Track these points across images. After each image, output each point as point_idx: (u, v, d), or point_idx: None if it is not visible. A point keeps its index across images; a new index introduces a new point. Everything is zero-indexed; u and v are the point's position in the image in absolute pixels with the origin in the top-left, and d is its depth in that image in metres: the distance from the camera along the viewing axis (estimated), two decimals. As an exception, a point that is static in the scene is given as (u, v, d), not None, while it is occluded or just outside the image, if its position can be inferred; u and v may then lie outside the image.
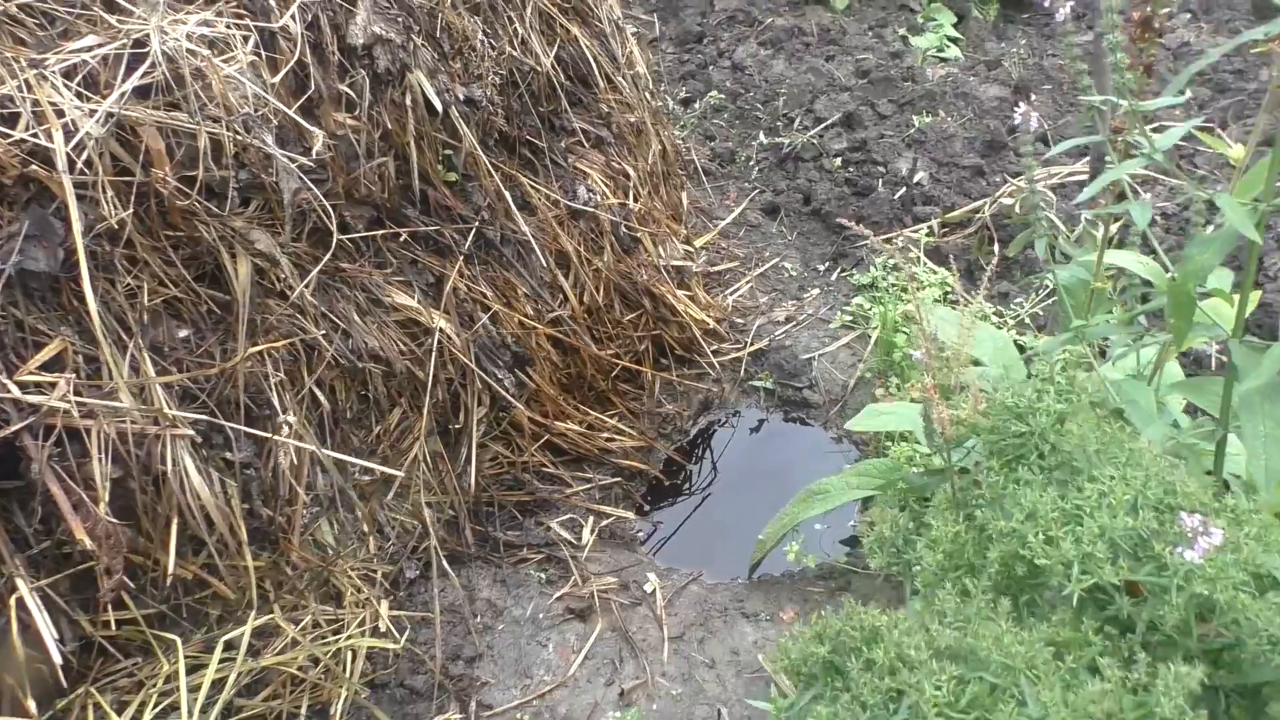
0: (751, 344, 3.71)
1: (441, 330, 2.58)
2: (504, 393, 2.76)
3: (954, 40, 5.00)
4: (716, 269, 3.97)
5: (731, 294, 3.87)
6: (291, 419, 2.08)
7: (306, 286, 2.27)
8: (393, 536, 2.66)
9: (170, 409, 1.90)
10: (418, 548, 2.70)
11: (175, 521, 1.93)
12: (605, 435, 3.20)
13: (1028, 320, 3.61)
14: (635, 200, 3.37)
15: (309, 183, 2.03)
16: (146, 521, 1.95)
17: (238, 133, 1.92)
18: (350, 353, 2.38)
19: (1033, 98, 4.57)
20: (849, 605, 1.39)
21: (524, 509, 2.99)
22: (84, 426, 1.81)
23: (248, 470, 2.12)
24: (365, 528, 2.54)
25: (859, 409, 3.57)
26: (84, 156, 1.82)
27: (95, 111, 1.83)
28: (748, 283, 3.97)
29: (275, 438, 2.08)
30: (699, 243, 3.94)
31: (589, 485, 3.12)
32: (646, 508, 3.27)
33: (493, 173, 2.81)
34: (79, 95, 1.85)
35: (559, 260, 3.10)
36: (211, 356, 2.11)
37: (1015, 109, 2.16)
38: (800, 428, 3.60)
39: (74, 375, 1.80)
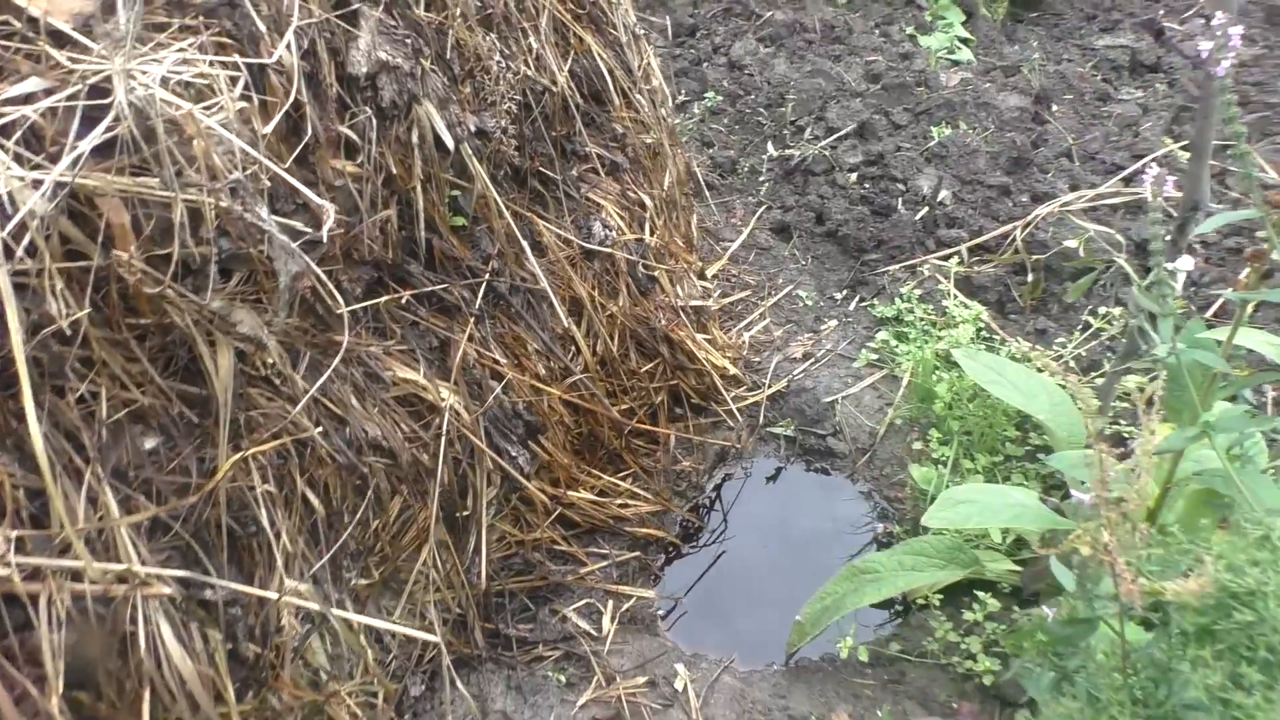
0: (770, 386, 3.37)
1: (451, 408, 2.19)
2: (517, 472, 2.38)
3: (965, 41, 4.68)
4: (729, 300, 3.61)
5: (747, 330, 3.52)
6: (293, 584, 1.69)
7: (298, 371, 1.87)
8: (394, 647, 2.28)
9: (140, 559, 1.49)
10: (423, 657, 2.32)
11: (146, 696, 1.53)
12: (619, 502, 2.85)
13: (1072, 362, 3.32)
14: (651, 233, 3.00)
15: (310, 261, 1.62)
16: (109, 691, 1.55)
17: (223, 202, 1.51)
18: (347, 445, 1.98)
19: (1054, 108, 4.28)
20: None
21: (536, 596, 2.63)
22: (28, 593, 1.40)
23: (232, 609, 1.73)
24: (362, 640, 2.15)
25: (889, 459, 3.28)
26: (26, 240, 1.40)
27: (41, 181, 1.40)
28: (762, 315, 3.63)
29: (269, 594, 1.68)
30: (710, 271, 3.58)
31: (605, 562, 2.76)
32: (665, 581, 2.93)
33: (504, 213, 2.42)
34: (18, 159, 1.42)
35: (572, 308, 2.72)
36: (187, 471, 1.70)
37: (1146, 172, 1.86)
38: (825, 479, 3.28)
39: (12, 529, 1.39)
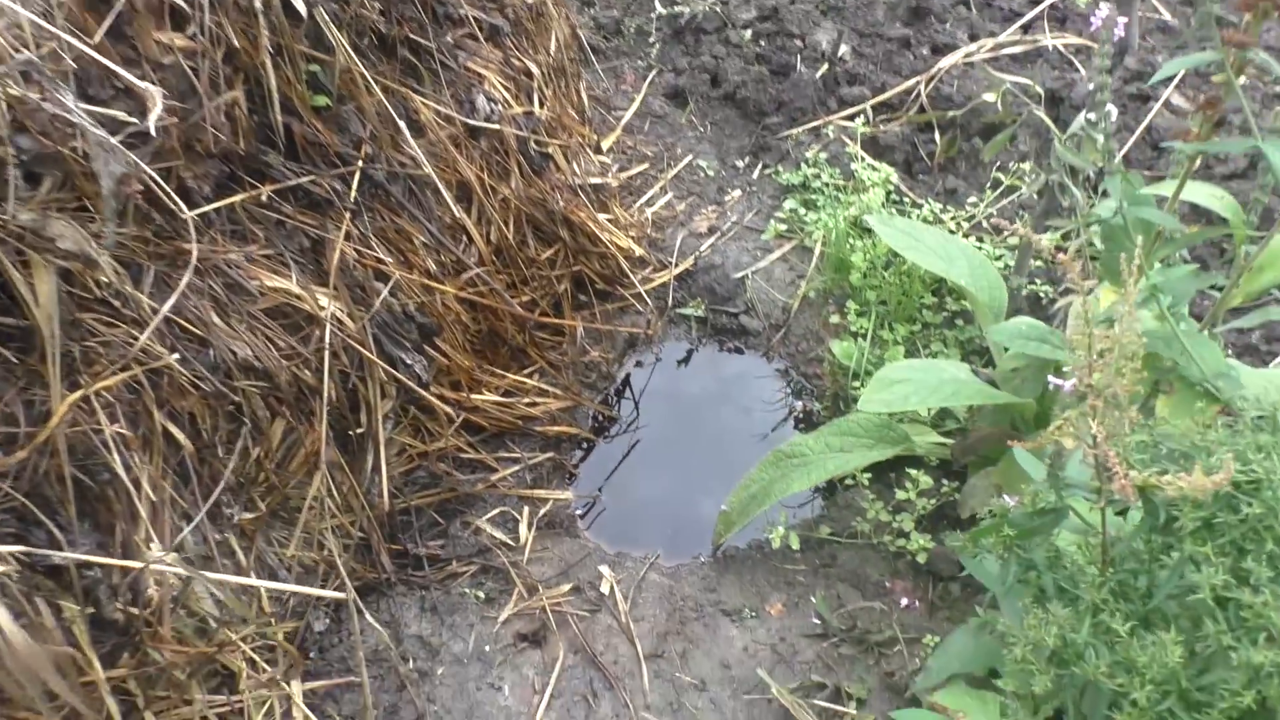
0: (677, 265, 3.18)
1: (332, 317, 1.93)
2: (414, 381, 2.15)
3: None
4: (628, 174, 3.36)
5: (649, 206, 3.29)
6: (157, 553, 1.44)
7: (143, 289, 1.59)
8: (292, 580, 2.07)
9: (-40, 535, 1.23)
10: (324, 586, 2.12)
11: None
12: (527, 401, 2.65)
13: (985, 224, 3.22)
14: (541, 105, 2.71)
15: (137, 159, 1.32)
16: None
17: (14, 89, 1.20)
18: (212, 369, 1.72)
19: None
20: None
21: (446, 510, 2.43)
22: None
23: (89, 572, 1.48)
24: (253, 579, 1.94)
25: (805, 334, 3.15)
26: None
27: None
28: (663, 189, 3.40)
29: (131, 564, 1.44)
30: (605, 144, 3.31)
31: (517, 466, 2.58)
32: (582, 480, 2.76)
33: (373, 89, 2.11)
34: None
35: (460, 193, 2.45)
36: (12, 420, 1.42)
37: (1094, 14, 1.68)
38: (740, 359, 3.14)
39: None
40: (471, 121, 2.42)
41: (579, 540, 2.57)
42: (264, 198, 1.88)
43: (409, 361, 2.13)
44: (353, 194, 2.03)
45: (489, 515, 2.46)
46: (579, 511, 2.67)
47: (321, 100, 2.00)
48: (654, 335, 3.09)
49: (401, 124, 2.14)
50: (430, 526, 2.39)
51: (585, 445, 2.83)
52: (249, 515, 1.96)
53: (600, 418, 2.91)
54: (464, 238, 2.46)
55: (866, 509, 2.52)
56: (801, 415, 2.96)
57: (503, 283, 2.57)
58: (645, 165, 3.44)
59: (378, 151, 2.16)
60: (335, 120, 2.04)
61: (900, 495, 2.48)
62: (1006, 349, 2.41)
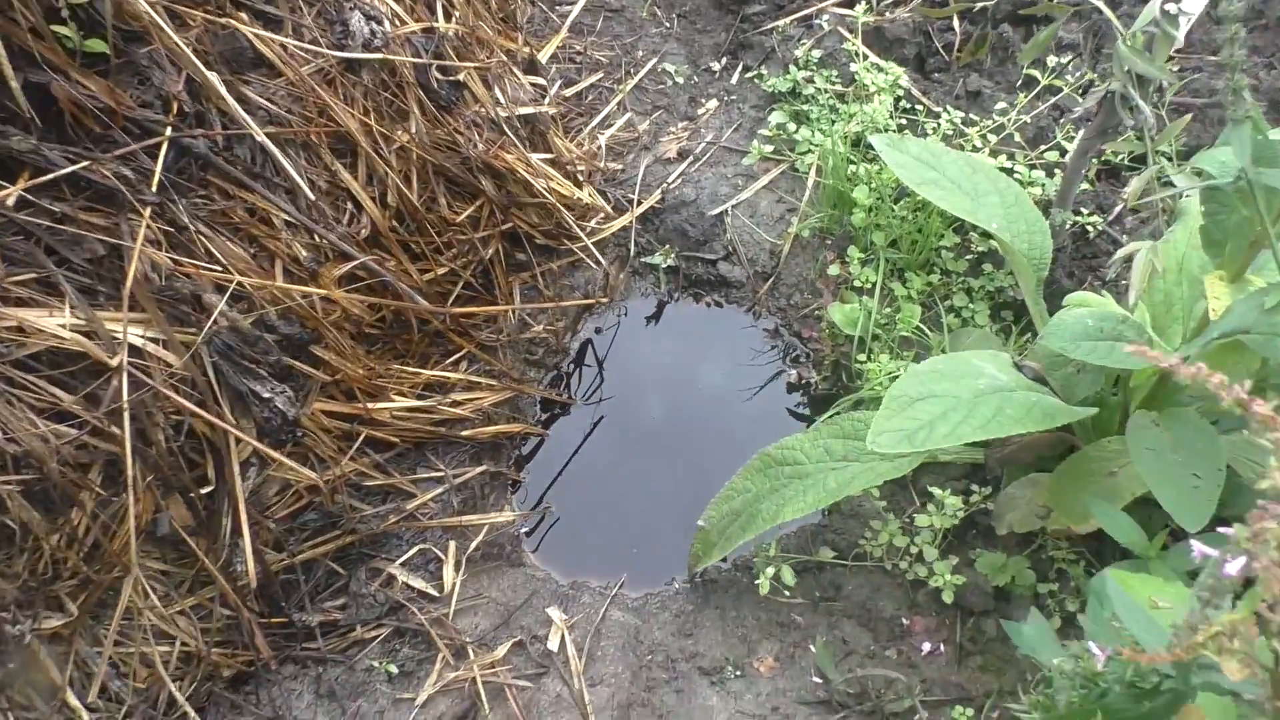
0: (640, 203, 2.59)
1: (131, 362, 1.38)
2: (276, 418, 1.61)
3: None
4: (576, 88, 2.73)
5: (603, 130, 2.68)
6: None
7: None
8: (129, 693, 1.58)
9: None
10: (183, 679, 1.64)
11: None
12: (451, 400, 2.11)
13: (1017, 136, 2.61)
14: (447, 16, 2.08)
15: None
16: None
17: None
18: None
19: None
20: None
21: (347, 558, 1.93)
22: None
23: None
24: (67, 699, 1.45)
25: (798, 284, 2.58)
26: None
27: None
28: (620, 105, 2.77)
29: None
30: (545, 54, 2.67)
31: (440, 488, 2.06)
32: (528, 489, 2.26)
33: (185, 18, 1.50)
34: None
35: (337, 149, 1.86)
36: None
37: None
38: (720, 316, 2.59)
39: None
40: (345, 53, 1.80)
41: (524, 571, 2.08)
42: (12, 200, 1.30)
43: (266, 394, 1.59)
44: (156, 177, 1.45)
45: (404, 558, 1.96)
46: (524, 531, 2.17)
47: (96, 45, 1.39)
48: (614, 294, 2.53)
49: (222, 69, 1.54)
50: (327, 582, 1.90)
51: (531, 444, 2.31)
52: (57, 622, 1.45)
53: (551, 407, 2.38)
54: (347, 206, 1.88)
55: (876, 525, 2.02)
56: (797, 386, 2.43)
57: (406, 256, 2.00)
58: (598, 75, 2.81)
59: (204, 109, 1.57)
60: (122, 72, 1.44)
61: (920, 516, 1.96)
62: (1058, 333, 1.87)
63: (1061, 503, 1.80)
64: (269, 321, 1.66)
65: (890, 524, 1.99)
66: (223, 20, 1.58)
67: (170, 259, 1.48)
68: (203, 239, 1.56)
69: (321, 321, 1.76)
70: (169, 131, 1.48)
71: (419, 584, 1.93)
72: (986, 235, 2.46)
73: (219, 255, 1.57)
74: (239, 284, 1.56)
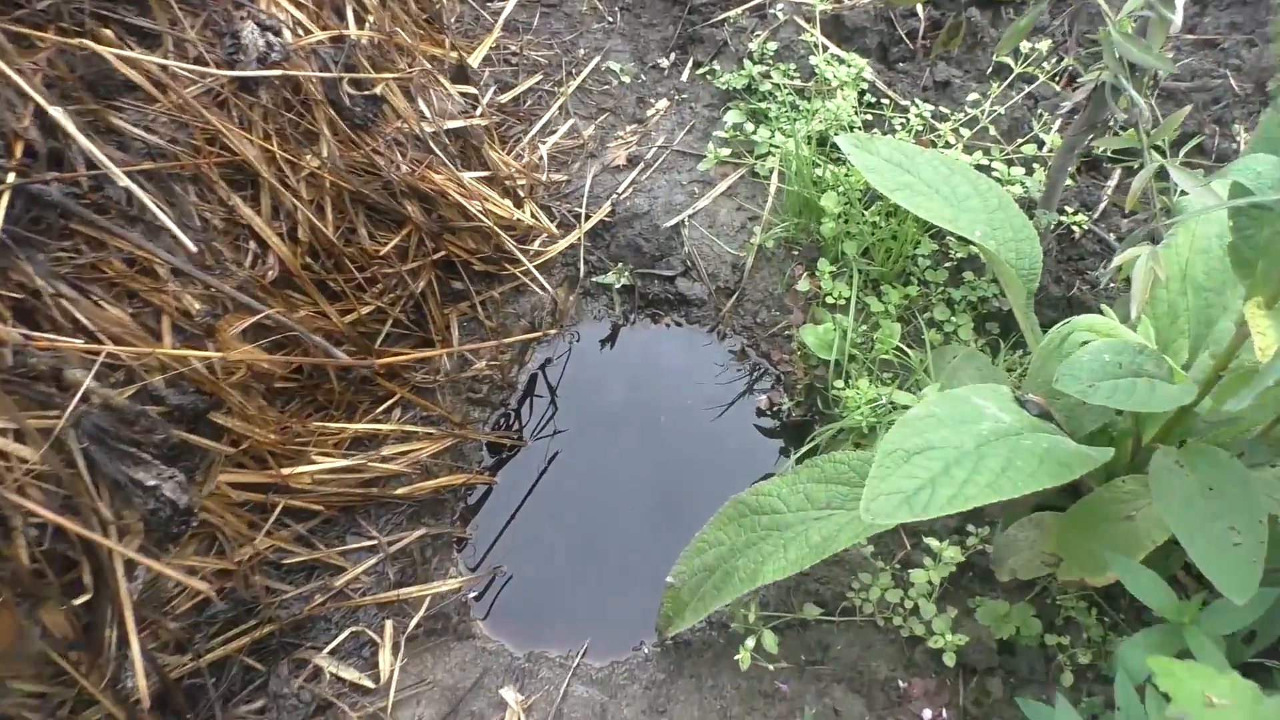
0: (587, 218, 2.36)
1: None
2: (165, 508, 1.36)
3: None
4: (511, 94, 2.49)
5: (544, 139, 2.44)
6: None
7: None
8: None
9: None
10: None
11: None
12: (384, 454, 1.87)
13: (992, 129, 2.41)
14: (360, 22, 1.83)
15: None
16: None
17: None
18: None
19: None
20: None
21: (266, 651, 1.69)
22: None
23: None
24: None
25: (764, 299, 2.36)
26: None
27: None
28: (563, 110, 2.53)
29: None
30: (476, 58, 2.42)
31: (374, 557, 1.82)
32: (476, 546, 2.02)
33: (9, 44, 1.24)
34: None
35: (235, 180, 1.61)
36: None
37: None
38: (681, 338, 2.37)
39: None
40: (237, 71, 1.55)
41: (473, 645, 1.85)
42: None
43: (151, 481, 1.34)
44: (-5, 236, 1.19)
45: (333, 644, 1.72)
46: (473, 596, 1.94)
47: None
48: (564, 320, 2.29)
49: (79, 98, 1.28)
50: (244, 682, 1.65)
51: (478, 494, 2.08)
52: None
53: (498, 449, 2.14)
54: (251, 245, 1.63)
55: (865, 577, 1.81)
56: (768, 414, 2.22)
57: (326, 297, 1.76)
58: (536, 78, 2.56)
59: (60, 146, 1.31)
60: (-55, 110, 1.18)
61: (915, 571, 1.76)
62: (1058, 351, 1.68)
63: (1073, 552, 1.61)
64: (155, 392, 1.41)
65: (881, 577, 1.79)
66: (77, 41, 1.32)
67: (20, 333, 1.22)
68: (64, 303, 1.30)
69: (221, 385, 1.51)
70: (11, 178, 1.22)
71: (351, 675, 1.69)
72: (967, 241, 2.26)
73: (85, 320, 1.31)
74: (110, 355, 1.31)
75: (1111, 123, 1.97)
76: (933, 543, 1.72)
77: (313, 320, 1.74)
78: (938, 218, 1.88)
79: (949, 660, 1.69)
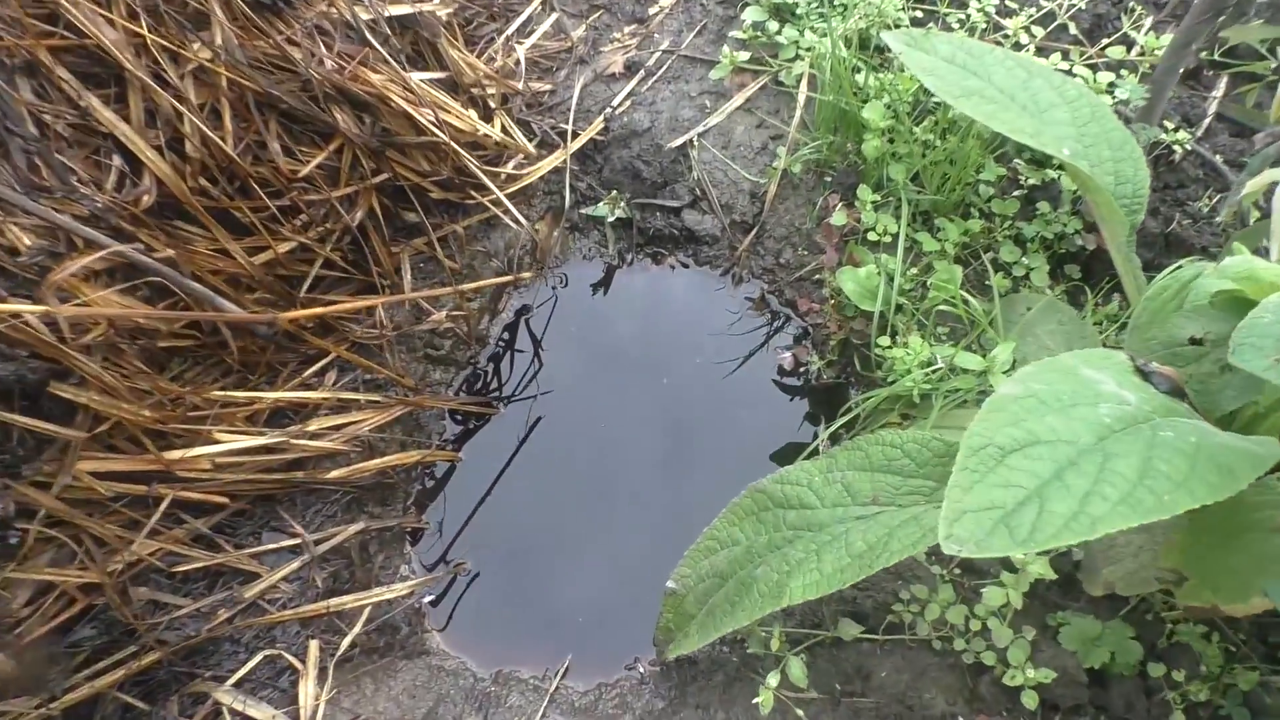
0: (574, 136, 1.94)
1: None
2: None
3: None
4: (482, -15, 2.05)
5: (522, 39, 2.01)
6: None
7: None
8: None
9: None
10: None
11: None
12: (312, 430, 1.48)
13: (1071, 27, 1.96)
14: None
15: None
16: None
17: None
18: None
19: None
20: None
21: (150, 684, 1.31)
22: None
23: None
24: None
25: (789, 236, 1.95)
26: None
27: None
28: (544, 3, 2.09)
29: None
30: (439, -65, 1.98)
31: (298, 560, 1.44)
32: (433, 540, 1.64)
33: None
34: None
35: (91, 74, 1.20)
36: None
37: None
38: (687, 282, 1.96)
39: None
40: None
41: (426, 664, 1.48)
42: None
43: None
44: None
45: (240, 673, 1.35)
46: (428, 600, 1.57)
47: None
48: (545, 261, 1.89)
49: None
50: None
51: (439, 474, 1.69)
52: None
53: (464, 419, 1.75)
54: (115, 161, 1.23)
55: (919, 587, 1.43)
56: (793, 375, 1.82)
57: (230, 232, 1.36)
58: (516, -34, 2.13)
59: None
60: None
61: (991, 599, 1.37)
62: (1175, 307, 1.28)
63: (1203, 570, 1.21)
64: (-39, 359, 1.02)
65: (941, 590, 1.40)
66: None
67: None
68: None
69: (62, 348, 1.12)
70: None
71: (262, 713, 1.32)
72: (1040, 164, 1.84)
73: None
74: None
75: (1242, 7, 1.53)
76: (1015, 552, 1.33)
77: (209, 260, 1.34)
78: (1015, 131, 1.45)
79: (1029, 702, 1.31)
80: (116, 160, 1.24)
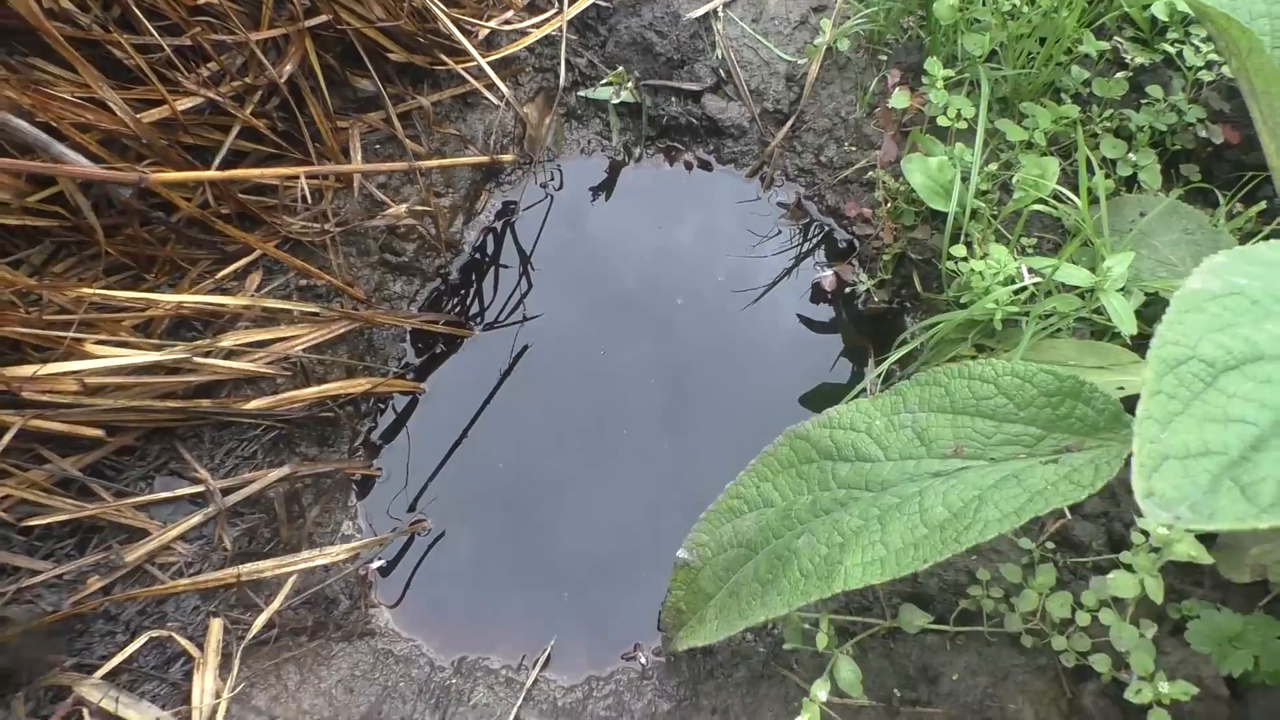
0: (572, 0, 1.57)
1: None
2: None
3: None
4: None
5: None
6: None
7: None
8: None
9: None
10: None
11: None
12: (226, 346, 1.14)
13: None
14: None
15: None
16: None
17: None
18: None
19: None
20: None
21: (-11, 677, 0.99)
22: None
23: None
24: None
25: (832, 130, 1.59)
26: None
27: None
28: None
29: None
30: None
31: (199, 513, 1.11)
32: (385, 491, 1.31)
33: None
34: None
35: None
36: None
37: None
38: (708, 184, 1.61)
39: None
40: None
41: (370, 647, 1.16)
42: None
43: None
44: None
45: (115, 661, 1.02)
46: (376, 568, 1.24)
47: None
48: (535, 151, 1.54)
49: None
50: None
51: (395, 411, 1.36)
52: None
53: (429, 342, 1.41)
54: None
55: (1007, 565, 1.10)
56: (835, 298, 1.48)
57: (110, 78, 1.01)
58: None
59: None
60: None
61: (1114, 575, 1.03)
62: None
63: None
64: None
65: (1041, 572, 1.06)
66: None
67: None
68: None
69: None
70: None
71: (139, 714, 1.00)
72: (1145, 41, 1.48)
73: None
74: None
75: None
76: (1150, 526, 0.99)
77: (75, 112, 0.99)
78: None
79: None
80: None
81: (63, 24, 0.99)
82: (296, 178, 1.16)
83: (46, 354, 1.01)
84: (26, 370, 0.97)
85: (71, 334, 0.99)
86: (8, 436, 0.97)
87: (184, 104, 1.11)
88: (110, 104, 1.03)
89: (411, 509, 1.29)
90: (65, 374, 1.00)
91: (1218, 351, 0.63)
